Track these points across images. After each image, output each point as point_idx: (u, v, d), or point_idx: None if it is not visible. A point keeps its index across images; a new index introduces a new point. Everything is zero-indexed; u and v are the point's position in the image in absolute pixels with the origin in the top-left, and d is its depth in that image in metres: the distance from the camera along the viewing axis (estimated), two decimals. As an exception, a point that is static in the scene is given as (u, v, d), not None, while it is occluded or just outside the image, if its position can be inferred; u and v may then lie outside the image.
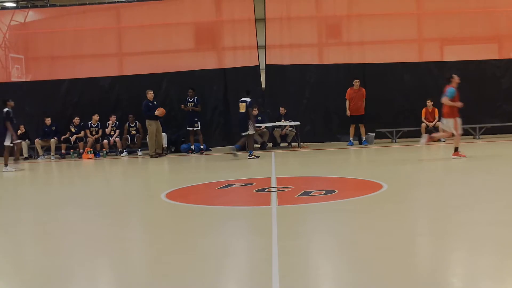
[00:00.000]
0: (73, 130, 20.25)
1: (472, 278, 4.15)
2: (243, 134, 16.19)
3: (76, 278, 4.52)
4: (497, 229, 5.53)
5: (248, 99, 16.14)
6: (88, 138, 19.98)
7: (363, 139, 19.35)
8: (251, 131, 16.09)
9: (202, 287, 4.07)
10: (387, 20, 21.85)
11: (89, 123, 20.27)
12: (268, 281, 4.08)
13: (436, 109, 19.49)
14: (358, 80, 19.49)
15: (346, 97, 19.47)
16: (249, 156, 15.89)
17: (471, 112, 20.22)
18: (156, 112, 18.16)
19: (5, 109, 15.75)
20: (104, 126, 20.26)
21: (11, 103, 16.05)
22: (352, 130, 19.44)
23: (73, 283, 4.40)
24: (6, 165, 15.72)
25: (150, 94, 18.59)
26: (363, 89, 19.56)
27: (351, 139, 19.46)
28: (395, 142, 19.45)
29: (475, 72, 20.69)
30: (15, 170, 15.69)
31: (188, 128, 18.89)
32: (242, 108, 16.09)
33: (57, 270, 4.75)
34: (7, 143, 15.77)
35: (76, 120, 20.23)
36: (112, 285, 4.45)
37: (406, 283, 4.00)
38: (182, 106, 18.96)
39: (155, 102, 18.61)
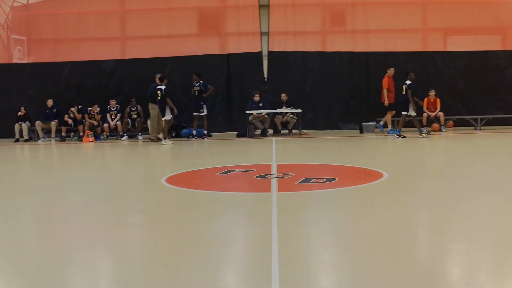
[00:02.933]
0: (71, 115, 20.19)
1: (472, 270, 4.14)
2: (404, 113, 17.07)
3: (74, 264, 4.50)
4: (499, 221, 5.52)
5: (408, 82, 17.03)
6: (86, 122, 19.93)
7: (392, 128, 19.21)
8: (411, 113, 17.01)
9: (201, 275, 4.05)
10: (392, 9, 21.82)
11: (89, 109, 20.18)
12: (268, 269, 4.06)
13: (438, 99, 19.45)
14: (392, 69, 19.14)
15: (383, 86, 19.11)
16: (420, 135, 17.02)
17: (474, 103, 20.27)
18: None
19: (162, 87, 17.18)
20: (104, 111, 20.20)
21: (165, 80, 17.57)
22: (389, 117, 19.22)
23: (70, 269, 4.38)
24: (165, 138, 17.06)
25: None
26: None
27: (390, 127, 19.24)
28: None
29: (478, 63, 20.68)
30: (172, 143, 16.87)
31: (194, 113, 18.70)
32: (404, 90, 17.17)
33: (54, 256, 4.73)
34: (167, 117, 17.13)
35: (74, 109, 20.16)
36: (110, 271, 4.43)
37: (405, 272, 3.99)
38: (205, 95, 18.69)
39: None
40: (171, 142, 17.04)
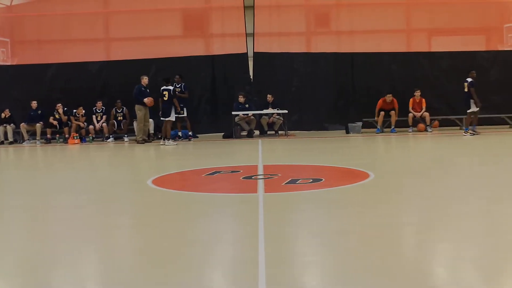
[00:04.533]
0: (57, 116, 20.08)
1: (459, 269, 4.17)
2: (469, 111, 17.75)
3: (62, 265, 4.49)
4: (486, 220, 5.56)
5: (469, 79, 17.62)
6: (72, 124, 19.81)
7: (392, 127, 19.39)
8: (473, 109, 17.62)
9: (188, 275, 4.05)
10: (376, 9, 21.92)
11: (74, 111, 20.07)
12: (255, 269, 4.07)
13: (424, 99, 19.55)
14: (390, 95, 19.46)
15: (377, 106, 19.52)
16: (472, 132, 17.48)
17: (458, 103, 20.34)
18: (145, 100, 18.01)
19: (170, 87, 17.31)
20: (90, 112, 20.11)
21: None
22: (381, 118, 19.44)
23: (58, 270, 4.37)
24: (169, 139, 17.05)
25: (144, 80, 18.39)
26: (395, 100, 19.52)
27: (379, 127, 19.48)
28: (382, 131, 19.48)
29: (463, 64, 20.71)
30: (176, 144, 17.04)
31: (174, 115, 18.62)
32: (466, 87, 17.69)
33: (43, 258, 4.71)
34: (172, 118, 17.26)
35: (59, 107, 20.01)
36: (97, 272, 4.42)
37: (392, 272, 4.01)
38: (183, 95, 18.62)
39: (147, 90, 18.38)
40: (175, 143, 17.08)
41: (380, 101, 19.54)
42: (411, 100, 19.63)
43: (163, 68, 20.41)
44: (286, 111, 19.32)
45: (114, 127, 19.82)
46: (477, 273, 4.02)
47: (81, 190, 8.53)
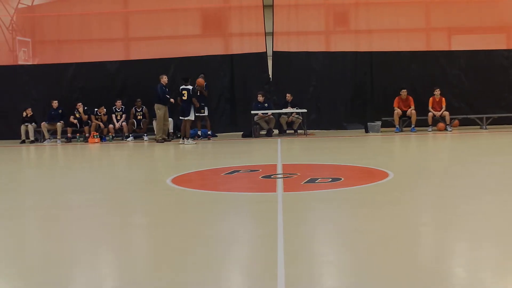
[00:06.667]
0: (77, 115, 20.22)
1: (475, 269, 4.15)
2: None
3: (78, 264, 4.51)
4: (503, 220, 5.52)
5: None
6: (92, 123, 19.94)
7: (412, 126, 19.35)
8: None
9: (206, 274, 4.06)
10: (395, 8, 21.84)
11: (95, 110, 20.22)
12: (273, 268, 4.07)
13: (444, 98, 19.45)
14: (405, 90, 19.50)
15: (394, 105, 19.53)
16: None
17: (478, 102, 20.26)
18: (172, 100, 18.15)
19: (189, 87, 17.31)
20: (109, 111, 20.24)
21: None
22: (396, 117, 19.41)
23: (74, 269, 4.40)
24: (188, 138, 17.12)
25: (164, 79, 18.46)
26: (411, 97, 19.49)
27: (398, 126, 19.46)
28: (402, 131, 19.40)
29: (482, 62, 20.66)
30: (196, 143, 17.04)
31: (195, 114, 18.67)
32: None
33: (59, 256, 4.74)
34: (192, 117, 17.28)
35: (79, 106, 20.16)
36: (112, 270, 4.44)
37: (412, 273, 4.00)
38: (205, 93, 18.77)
39: (167, 89, 18.48)
40: (194, 142, 17.13)
41: (396, 99, 19.52)
42: (430, 99, 19.54)
43: (182, 68, 20.50)
44: (305, 110, 19.31)
45: (134, 126, 19.93)
46: (495, 274, 4.00)
47: (99, 189, 8.58)
